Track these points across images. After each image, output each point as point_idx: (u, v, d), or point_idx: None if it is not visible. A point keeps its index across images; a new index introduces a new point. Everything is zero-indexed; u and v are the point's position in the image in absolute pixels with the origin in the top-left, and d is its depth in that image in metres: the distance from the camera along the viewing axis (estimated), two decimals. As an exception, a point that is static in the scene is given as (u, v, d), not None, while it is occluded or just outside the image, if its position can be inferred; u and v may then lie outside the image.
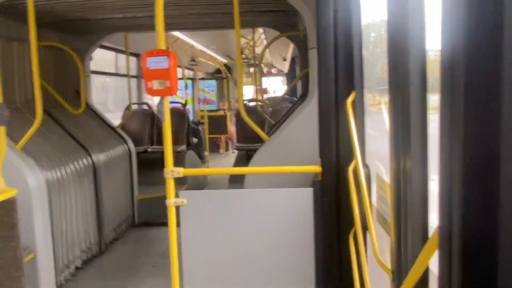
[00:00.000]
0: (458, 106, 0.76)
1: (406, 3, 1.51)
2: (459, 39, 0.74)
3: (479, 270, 0.75)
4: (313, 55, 3.52)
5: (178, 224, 2.77)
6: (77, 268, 4.56)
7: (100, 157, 5.13)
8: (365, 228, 2.35)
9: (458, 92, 0.76)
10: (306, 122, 3.45)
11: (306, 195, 2.75)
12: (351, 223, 2.54)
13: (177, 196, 2.77)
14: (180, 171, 2.71)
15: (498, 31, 0.67)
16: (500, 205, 0.70)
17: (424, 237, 1.53)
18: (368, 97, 3.29)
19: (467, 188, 0.76)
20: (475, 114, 0.73)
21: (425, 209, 1.53)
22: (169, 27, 5.95)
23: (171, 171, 2.68)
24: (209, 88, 14.13)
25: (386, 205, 2.25)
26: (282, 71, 20.38)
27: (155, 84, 2.61)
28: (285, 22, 5.55)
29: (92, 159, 4.94)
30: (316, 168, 2.70)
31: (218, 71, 14.93)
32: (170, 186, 2.70)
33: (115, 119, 7.29)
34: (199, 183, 7.85)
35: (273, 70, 20.73)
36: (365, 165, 2.47)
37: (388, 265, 1.86)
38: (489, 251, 0.70)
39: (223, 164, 11.44)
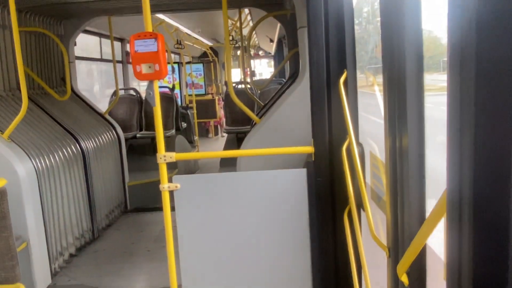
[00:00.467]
0: (469, 72, 0.74)
1: None
2: (468, 23, 0.72)
3: (491, 236, 0.73)
4: (302, 35, 3.48)
5: (172, 209, 2.76)
6: (71, 255, 4.54)
7: (89, 144, 5.07)
8: (359, 206, 2.37)
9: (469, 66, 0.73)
10: (297, 102, 3.44)
11: (300, 176, 2.76)
12: (345, 202, 2.56)
13: (170, 181, 2.75)
14: (173, 156, 2.69)
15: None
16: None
17: (421, 214, 1.54)
18: (360, 77, 3.28)
19: (478, 148, 0.73)
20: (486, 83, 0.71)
21: (421, 186, 1.54)
22: (154, 9, 5.82)
23: (164, 156, 2.66)
24: (196, 72, 13.97)
25: (381, 183, 2.27)
26: (269, 53, 20.21)
27: (144, 68, 2.56)
28: (271, 1, 5.47)
29: (80, 146, 4.88)
30: (309, 149, 2.70)
31: (204, 54, 14.75)
32: (163, 171, 2.68)
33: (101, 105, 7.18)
34: (190, 168, 7.83)
35: (260, 52, 20.55)
36: (359, 144, 2.48)
37: (384, 242, 1.88)
38: (503, 215, 0.68)
39: (212, 148, 11.42)
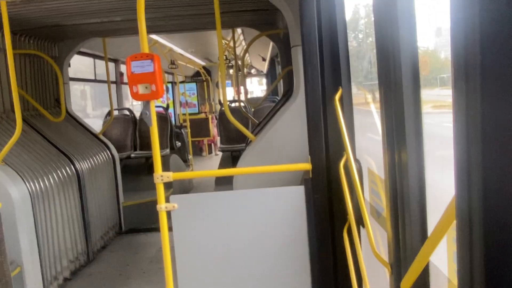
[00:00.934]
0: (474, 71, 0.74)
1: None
2: (471, 32, 0.73)
3: (502, 244, 0.72)
4: (296, 53, 3.51)
5: (169, 229, 2.73)
6: (65, 279, 4.45)
7: (83, 165, 5.03)
8: (359, 222, 2.36)
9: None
10: (292, 120, 3.45)
11: (297, 193, 2.75)
12: (344, 218, 2.55)
13: (166, 200, 2.73)
14: (170, 176, 2.67)
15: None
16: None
17: (423, 229, 1.54)
18: (359, 93, 3.31)
19: (487, 151, 0.73)
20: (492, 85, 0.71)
21: (422, 201, 1.54)
22: (148, 30, 5.87)
23: (161, 176, 2.64)
24: (189, 92, 14.04)
25: (379, 199, 2.27)
26: (261, 72, 20.38)
27: (141, 89, 2.56)
28: (264, 21, 5.54)
29: (75, 167, 4.84)
30: (307, 166, 2.70)
31: (197, 74, 14.84)
32: (161, 191, 2.65)
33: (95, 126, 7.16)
34: (185, 187, 7.79)
35: (252, 71, 20.72)
36: (356, 160, 2.49)
37: (384, 258, 1.87)
38: None
39: (207, 166, 11.39)
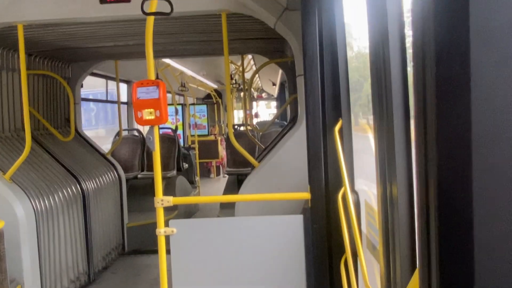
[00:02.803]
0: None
1: (387, 30, 1.57)
2: (429, 44, 0.81)
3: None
4: (300, 82, 3.58)
5: (168, 252, 2.74)
6: (65, 300, 4.45)
7: (89, 184, 5.10)
8: (355, 255, 2.36)
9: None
10: (296, 147, 3.49)
11: (296, 222, 2.76)
12: (342, 250, 2.54)
13: (167, 223, 2.76)
14: (170, 200, 2.70)
15: (465, 35, 0.74)
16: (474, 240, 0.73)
17: (413, 265, 1.54)
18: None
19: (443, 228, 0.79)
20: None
21: (412, 236, 1.55)
22: (159, 54, 6.02)
23: (161, 200, 2.68)
24: (199, 113, 14.20)
25: (376, 232, 2.27)
26: (272, 95, 20.59)
27: (145, 114, 2.63)
28: (273, 48, 5.65)
29: (81, 187, 4.90)
30: (306, 195, 2.72)
31: (208, 96, 15.04)
32: (160, 215, 2.69)
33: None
34: (190, 209, 7.79)
35: (263, 94, 20.94)
36: (354, 192, 2.50)
37: (379, 292, 1.86)
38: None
39: (214, 188, 11.39)
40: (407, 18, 1.56)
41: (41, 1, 3.51)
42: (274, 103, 21.00)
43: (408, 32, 1.59)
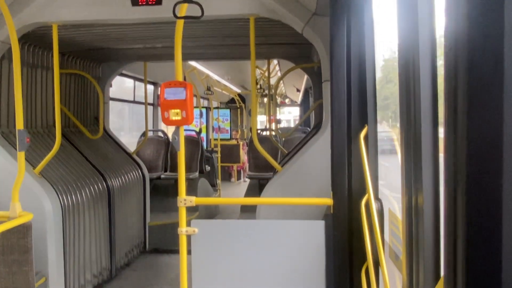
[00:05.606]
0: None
1: (417, 35, 1.55)
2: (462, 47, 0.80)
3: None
4: (326, 88, 3.57)
5: (188, 252, 2.77)
6: (87, 294, 4.55)
7: (115, 182, 5.20)
8: (377, 264, 2.33)
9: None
10: (319, 153, 3.47)
11: (317, 227, 2.74)
12: (363, 258, 2.52)
13: (188, 224, 2.79)
14: (193, 200, 2.74)
15: (499, 39, 0.73)
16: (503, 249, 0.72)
17: (436, 275, 1.51)
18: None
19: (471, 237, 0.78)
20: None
21: (437, 247, 1.52)
22: (186, 57, 6.12)
23: (184, 199, 2.71)
24: (223, 117, 14.30)
25: (399, 241, 2.24)
26: (295, 102, 20.55)
27: (172, 114, 2.68)
28: (299, 54, 5.66)
29: (107, 184, 5.01)
30: (328, 201, 2.70)
31: (232, 100, 15.15)
32: (183, 214, 2.72)
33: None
34: (211, 210, 7.84)
35: (287, 100, 20.92)
36: (378, 200, 2.47)
37: (400, 302, 1.83)
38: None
39: (234, 192, 11.43)
40: (438, 22, 1.54)
41: (75, 2, 3.63)
42: (287, 109, 21.00)
43: (439, 37, 1.57)
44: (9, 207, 3.05)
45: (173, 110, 2.66)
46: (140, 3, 3.44)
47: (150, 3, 3.41)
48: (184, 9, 2.56)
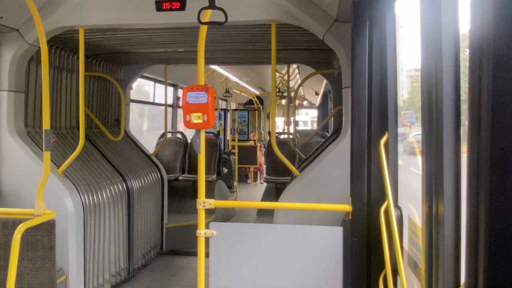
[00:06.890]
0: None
1: (440, 40, 1.55)
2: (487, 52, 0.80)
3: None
4: (346, 94, 3.57)
5: (206, 255, 2.80)
6: (105, 293, 4.62)
7: (134, 184, 5.28)
8: (395, 271, 2.32)
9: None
10: (338, 159, 3.47)
11: (336, 233, 2.75)
12: (381, 265, 2.51)
13: (206, 226, 2.82)
14: (212, 203, 2.77)
15: None
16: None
17: (456, 285, 1.51)
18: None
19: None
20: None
21: (457, 255, 1.52)
22: (207, 61, 6.17)
23: (203, 202, 2.75)
24: (241, 119, 14.36)
25: (418, 249, 2.22)
26: (313, 104, 20.48)
27: (193, 118, 2.72)
28: (319, 59, 5.66)
29: (127, 185, 5.09)
30: (347, 207, 2.70)
31: (250, 102, 15.21)
32: (202, 217, 2.76)
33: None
34: (227, 213, 7.88)
35: (305, 103, 20.87)
36: (397, 207, 2.46)
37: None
38: None
39: (251, 194, 11.45)
40: (462, 25, 1.54)
41: (101, 7, 3.72)
42: (304, 110, 20.88)
43: (463, 47, 1.57)
44: (33, 205, 3.14)
45: (195, 114, 2.71)
46: (164, 8, 3.51)
47: (174, 8, 3.47)
48: (208, 15, 2.61)
